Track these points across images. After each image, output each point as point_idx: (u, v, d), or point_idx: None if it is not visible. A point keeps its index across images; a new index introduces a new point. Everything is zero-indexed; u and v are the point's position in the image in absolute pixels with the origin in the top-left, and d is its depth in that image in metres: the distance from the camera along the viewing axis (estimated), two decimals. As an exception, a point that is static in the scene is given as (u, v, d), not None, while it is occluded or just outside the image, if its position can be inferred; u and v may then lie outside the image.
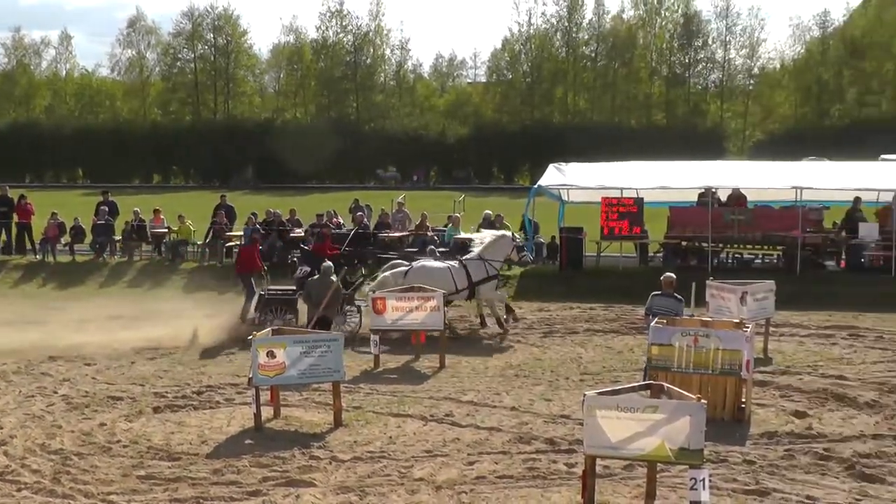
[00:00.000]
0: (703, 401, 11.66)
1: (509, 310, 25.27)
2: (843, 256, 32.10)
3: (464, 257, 25.10)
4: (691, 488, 11.42)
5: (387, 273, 24.54)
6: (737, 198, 33.21)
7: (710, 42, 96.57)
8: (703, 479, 11.45)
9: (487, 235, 25.49)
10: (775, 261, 32.07)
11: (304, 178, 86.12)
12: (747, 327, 16.60)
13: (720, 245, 32.13)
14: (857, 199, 32.42)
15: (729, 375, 15.92)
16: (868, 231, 31.64)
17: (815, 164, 41.48)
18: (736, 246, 32.17)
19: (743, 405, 16.04)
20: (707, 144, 78.86)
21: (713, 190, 32.77)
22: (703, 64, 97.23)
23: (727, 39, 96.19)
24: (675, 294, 18.55)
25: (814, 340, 22.94)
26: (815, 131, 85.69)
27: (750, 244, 31.83)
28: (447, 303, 23.46)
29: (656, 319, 16.99)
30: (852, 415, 16.53)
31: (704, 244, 31.79)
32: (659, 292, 18.64)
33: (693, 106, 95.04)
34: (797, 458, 14.10)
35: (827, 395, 17.63)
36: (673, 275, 18.98)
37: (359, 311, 24.23)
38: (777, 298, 21.77)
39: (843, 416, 16.43)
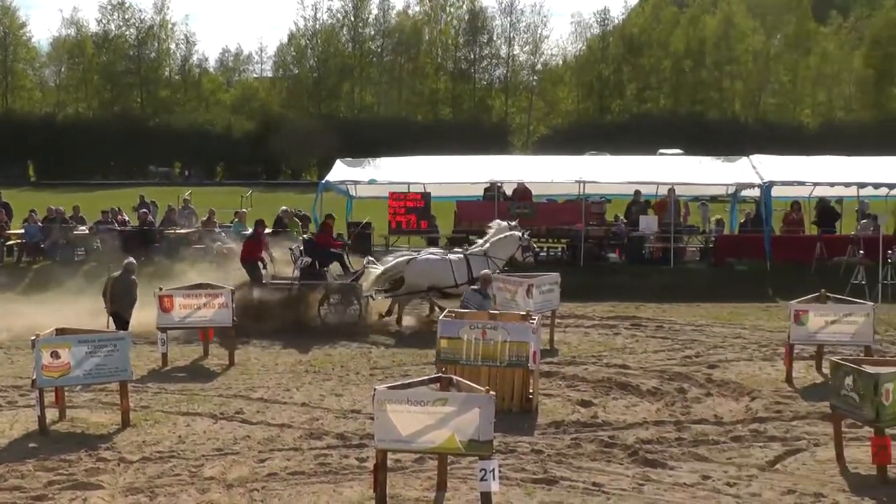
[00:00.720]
0: (491, 392, 11.78)
1: None
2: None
3: (468, 251, 24.72)
4: (481, 479, 11.54)
5: (391, 261, 24.69)
6: (522, 192, 33.81)
7: (494, 38, 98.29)
8: (493, 470, 11.57)
9: (496, 232, 24.89)
10: (560, 253, 32.78)
11: (88, 173, 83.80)
12: (534, 319, 16.90)
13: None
14: (637, 192, 33.44)
15: (516, 367, 16.16)
16: (647, 224, 32.67)
17: (596, 159, 42.59)
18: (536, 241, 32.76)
19: (531, 396, 16.30)
20: (493, 139, 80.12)
21: (498, 184, 33.28)
22: (489, 60, 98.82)
23: (511, 36, 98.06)
24: (488, 291, 18.93)
25: (598, 331, 23.56)
26: (596, 126, 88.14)
27: (535, 237, 32.47)
28: (445, 296, 24.15)
29: (444, 313, 17.18)
30: (635, 402, 17.02)
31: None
32: (476, 287, 19.01)
33: (479, 101, 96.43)
34: (583, 447, 14.41)
35: (611, 383, 18.10)
36: (490, 272, 19.42)
37: (359, 300, 24.25)
38: (562, 290, 22.27)
39: (626, 404, 16.89)
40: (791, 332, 18.73)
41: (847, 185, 31.97)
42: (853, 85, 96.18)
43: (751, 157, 34.12)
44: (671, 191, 33.01)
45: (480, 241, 25.10)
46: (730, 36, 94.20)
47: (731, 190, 34.97)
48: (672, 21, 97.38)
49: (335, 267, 25.40)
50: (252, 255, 25.56)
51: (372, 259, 25.65)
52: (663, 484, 12.96)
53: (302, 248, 25.42)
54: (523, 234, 24.72)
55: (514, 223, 25.45)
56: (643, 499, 12.49)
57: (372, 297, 24.43)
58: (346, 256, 25.87)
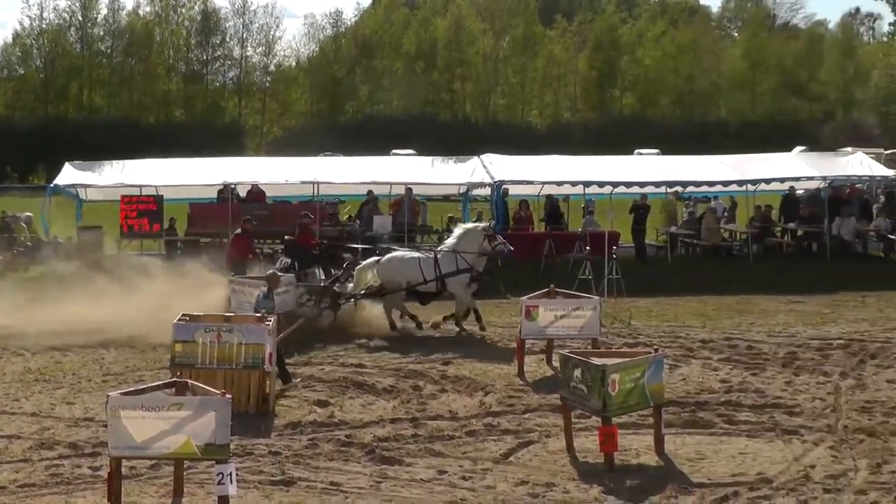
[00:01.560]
0: (227, 396, 11.65)
1: (478, 317, 23.28)
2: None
3: (437, 249, 24.28)
4: (218, 483, 11.37)
5: (362, 264, 24.01)
6: (256, 193, 33.56)
7: (227, 39, 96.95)
8: (230, 473, 11.43)
9: (459, 228, 24.54)
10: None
11: None
12: (269, 321, 16.77)
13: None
14: (370, 193, 33.71)
15: (253, 369, 16.03)
16: (381, 224, 32.94)
17: (330, 160, 42.70)
18: (257, 240, 32.38)
19: (267, 397, 16.19)
20: (226, 141, 78.90)
21: (232, 186, 32.90)
22: (222, 61, 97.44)
23: (245, 37, 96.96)
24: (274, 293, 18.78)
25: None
26: (330, 127, 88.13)
27: (270, 238, 32.19)
28: (416, 294, 23.58)
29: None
30: (371, 401, 17.12)
31: (225, 240, 31.75)
32: (264, 290, 18.67)
33: (212, 103, 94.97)
34: (321, 447, 14.41)
35: (347, 383, 18.14)
36: (275, 272, 19.15)
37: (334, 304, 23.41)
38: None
39: (363, 403, 16.98)
40: (522, 328, 19.24)
41: (574, 183, 33.13)
42: (578, 86, 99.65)
43: (481, 157, 34.85)
44: (408, 190, 33.42)
45: (449, 240, 24.47)
46: (460, 38, 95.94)
47: (463, 189, 35.63)
48: (404, 23, 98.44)
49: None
50: (241, 253, 25.36)
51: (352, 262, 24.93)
52: (400, 480, 13.08)
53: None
54: (487, 225, 24.45)
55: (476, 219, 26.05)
56: (381, 496, 12.58)
57: (355, 300, 23.71)
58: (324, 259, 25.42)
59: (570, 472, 13.48)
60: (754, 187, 35.13)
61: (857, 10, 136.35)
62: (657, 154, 52.91)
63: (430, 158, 37.02)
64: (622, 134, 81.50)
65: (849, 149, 50.46)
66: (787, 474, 13.26)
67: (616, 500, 12.51)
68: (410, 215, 33.61)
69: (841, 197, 35.73)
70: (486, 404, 16.85)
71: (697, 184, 34.26)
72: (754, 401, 16.92)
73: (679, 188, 35.13)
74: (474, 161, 34.60)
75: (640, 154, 54.89)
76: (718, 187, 35.05)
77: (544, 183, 33.90)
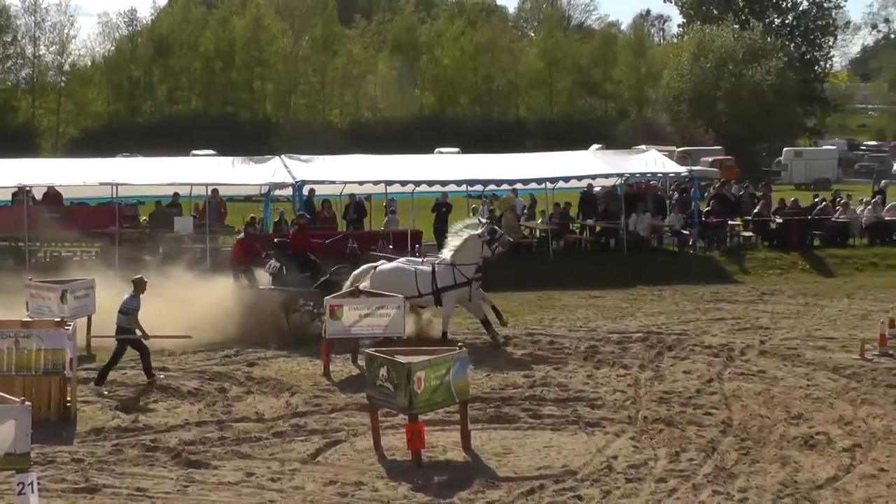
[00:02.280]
0: (27, 403, 11.35)
1: (497, 313, 22.61)
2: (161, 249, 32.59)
3: (437, 261, 22.68)
4: (19, 493, 11.05)
5: (358, 270, 22.68)
6: (52, 196, 32.67)
7: (19, 38, 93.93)
8: (31, 483, 11.12)
9: (456, 238, 22.81)
10: (94, 256, 31.88)
11: None
12: (69, 325, 16.40)
13: (37, 244, 31.34)
14: (176, 195, 33.21)
15: (53, 375, 15.66)
16: (183, 225, 32.48)
17: (129, 161, 41.83)
18: (54, 244, 31.55)
19: (69, 404, 15.83)
20: (20, 142, 76.48)
21: (27, 188, 31.94)
22: (13, 60, 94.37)
23: (37, 35, 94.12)
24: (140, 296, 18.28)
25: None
26: (128, 127, 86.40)
27: (68, 241, 31.36)
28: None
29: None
30: (176, 404, 16.92)
31: (21, 243, 30.85)
32: (132, 293, 18.18)
33: (4, 103, 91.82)
34: (125, 452, 14.17)
35: (151, 387, 17.88)
36: (141, 278, 18.51)
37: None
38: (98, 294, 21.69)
39: (167, 407, 16.76)
40: (327, 327, 19.27)
41: (375, 182, 33.29)
42: (378, 86, 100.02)
43: (282, 157, 34.67)
44: (215, 191, 33.02)
45: (446, 251, 23.05)
46: (259, 38, 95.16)
47: (265, 190, 35.38)
48: (201, 22, 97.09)
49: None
50: (241, 257, 24.47)
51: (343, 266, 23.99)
52: (208, 484, 12.98)
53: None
54: (482, 231, 22.54)
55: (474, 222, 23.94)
56: (188, 500, 12.47)
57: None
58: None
59: (378, 471, 13.59)
60: (553, 185, 35.88)
61: (648, 11, 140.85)
62: (458, 153, 53.60)
63: (230, 159, 36.53)
64: (423, 133, 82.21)
65: (643, 146, 52.11)
66: (590, 466, 13.66)
67: (424, 497, 12.67)
68: (215, 216, 33.19)
69: (636, 193, 36.81)
70: (293, 405, 16.84)
71: (498, 182, 34.79)
72: (557, 395, 17.36)
73: (520, 185, 35.62)
74: (275, 161, 34.34)
75: (441, 153, 55.52)
76: (518, 185, 35.64)
77: (346, 182, 33.93)
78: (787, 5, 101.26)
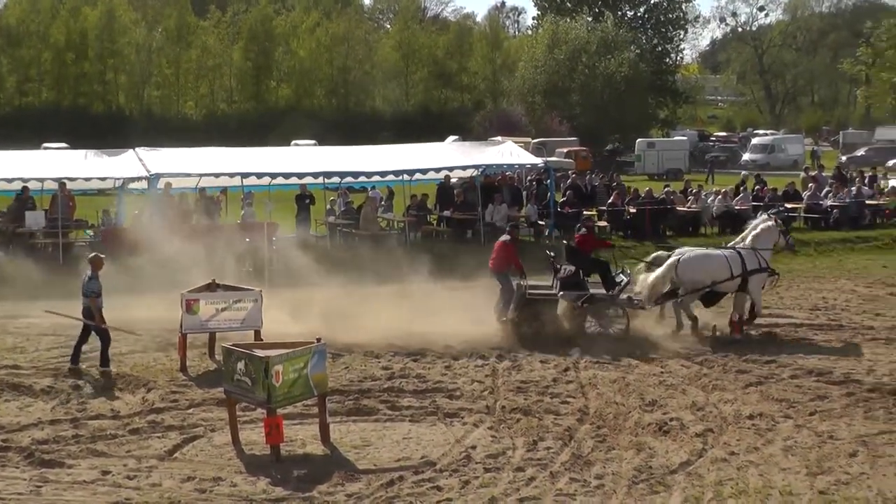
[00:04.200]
0: None
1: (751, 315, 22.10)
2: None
3: (736, 246, 22.36)
4: None
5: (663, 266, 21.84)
6: None
7: None
8: None
9: (754, 226, 22.59)
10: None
11: None
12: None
13: None
14: (26, 189, 32.39)
15: None
16: (34, 219, 31.76)
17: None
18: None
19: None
20: None
21: None
22: None
23: None
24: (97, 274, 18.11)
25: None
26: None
27: None
28: (718, 294, 21.91)
29: None
30: (29, 403, 16.54)
31: None
32: (90, 274, 17.91)
33: None
34: (-25, 454, 13.84)
35: (2, 385, 17.43)
36: (98, 254, 18.22)
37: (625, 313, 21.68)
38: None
39: (19, 406, 16.38)
40: (183, 322, 19.03)
41: (231, 175, 32.93)
42: (234, 78, 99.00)
43: (136, 149, 34.06)
44: (62, 185, 32.27)
45: (740, 237, 22.91)
46: (112, 28, 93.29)
47: (119, 183, 34.70)
48: (51, 12, 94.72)
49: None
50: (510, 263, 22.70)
51: (626, 269, 22.90)
52: (62, 483, 12.75)
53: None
54: (777, 221, 22.99)
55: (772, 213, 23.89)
56: (42, 501, 12.24)
57: (644, 307, 21.98)
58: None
59: (237, 466, 13.51)
60: (410, 177, 35.96)
61: (503, 3, 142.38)
62: (314, 145, 53.30)
63: (83, 152, 35.79)
64: (279, 125, 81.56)
65: (499, 138, 52.63)
66: (449, 456, 13.79)
67: (284, 491, 12.64)
68: (66, 210, 32.47)
69: (493, 185, 37.14)
70: (149, 401, 16.62)
71: (355, 174, 34.71)
72: (416, 386, 17.46)
73: (377, 177, 35.49)
74: (129, 154, 33.76)
75: (298, 145, 55.15)
76: (376, 178, 35.63)
77: (202, 175, 33.50)
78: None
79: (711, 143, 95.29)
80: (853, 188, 40.80)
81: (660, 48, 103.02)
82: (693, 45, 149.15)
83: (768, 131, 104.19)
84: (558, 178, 41.28)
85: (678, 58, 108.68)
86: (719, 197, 38.60)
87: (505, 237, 22.96)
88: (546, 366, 18.88)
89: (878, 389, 16.87)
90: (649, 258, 23.00)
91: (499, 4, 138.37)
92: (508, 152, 37.19)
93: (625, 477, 13.00)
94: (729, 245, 23.05)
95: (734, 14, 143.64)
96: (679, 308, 21.95)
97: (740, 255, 21.85)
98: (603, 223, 36.92)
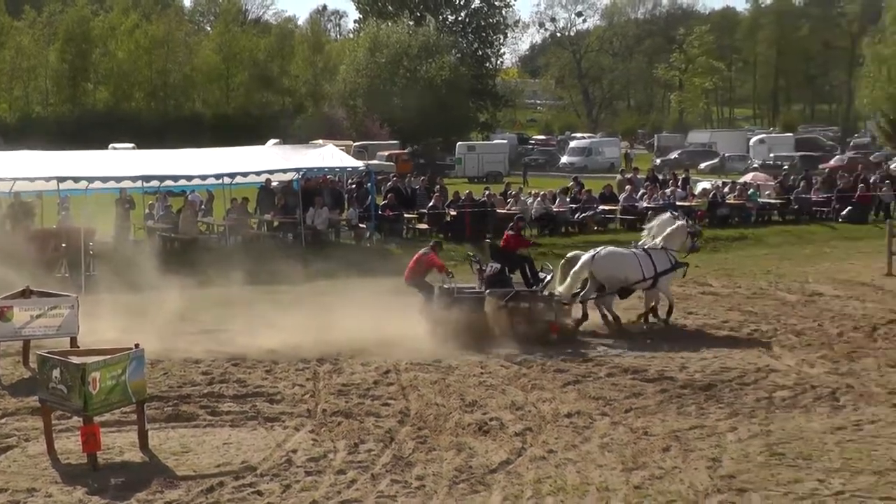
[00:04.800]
0: None
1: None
2: None
3: (645, 246, 23.12)
4: None
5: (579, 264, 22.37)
6: None
7: None
8: None
9: (663, 224, 23.42)
10: None
11: None
12: None
13: None
14: None
15: None
16: None
17: None
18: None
19: None
20: None
21: None
22: None
23: None
24: None
25: None
26: None
27: None
28: (629, 293, 22.65)
29: None
30: None
31: None
32: None
33: None
34: None
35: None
36: None
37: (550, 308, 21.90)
38: None
39: None
40: (-4, 329, 18.49)
41: (47, 179, 32.06)
42: (49, 80, 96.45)
43: (-54, 153, 32.96)
44: None
45: (648, 236, 23.58)
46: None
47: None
48: None
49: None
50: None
51: (548, 265, 23.34)
52: None
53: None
54: (687, 221, 24.08)
55: (676, 213, 24.71)
56: None
57: (567, 302, 22.35)
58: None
59: (52, 476, 13.18)
60: (231, 180, 35.62)
61: (325, 7, 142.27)
62: (133, 148, 52.36)
63: None
64: (97, 128, 79.79)
65: (320, 141, 52.48)
66: (270, 460, 13.70)
67: (101, 500, 12.39)
68: None
69: (314, 188, 37.07)
70: (-41, 412, 16.08)
71: (175, 178, 34.20)
72: (236, 391, 17.28)
73: (198, 180, 35.00)
74: (-62, 158, 32.68)
75: (116, 148, 54.07)
76: (196, 181, 35.18)
77: (15, 179, 32.53)
78: (459, 3, 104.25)
79: (530, 147, 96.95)
80: (667, 190, 42.05)
81: (480, 52, 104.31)
82: (513, 49, 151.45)
83: (586, 135, 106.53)
84: (379, 181, 41.40)
85: (498, 62, 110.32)
86: (538, 199, 39.27)
87: (425, 249, 23.11)
88: (367, 368, 18.90)
89: (690, 386, 17.41)
90: (566, 256, 23.60)
91: (320, 8, 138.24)
92: (329, 155, 37.18)
93: (445, 477, 13.12)
94: (639, 244, 23.72)
95: (553, 19, 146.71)
96: (600, 305, 22.65)
97: (650, 256, 22.76)
98: (424, 226, 37.20)
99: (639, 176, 46.28)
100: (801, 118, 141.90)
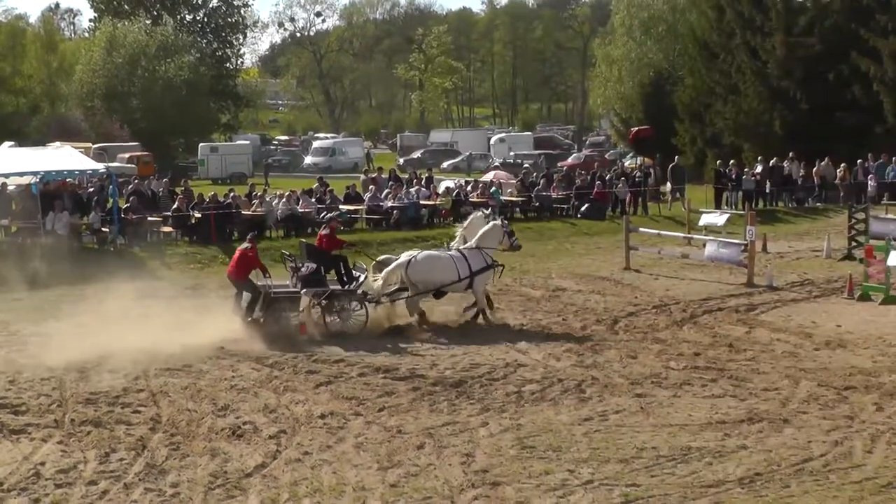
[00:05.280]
0: None
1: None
2: None
3: (460, 247, 23.53)
4: None
5: (391, 266, 23.00)
6: None
7: None
8: None
9: (475, 224, 23.98)
10: None
11: None
12: None
13: None
14: None
15: None
16: None
17: None
18: None
19: None
20: None
21: None
22: None
23: None
24: None
25: None
26: None
27: None
28: (442, 294, 23.20)
29: None
30: None
31: None
32: None
33: None
34: None
35: None
36: None
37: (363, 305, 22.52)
38: None
39: None
40: None
41: None
42: None
43: None
44: None
45: (462, 235, 24.06)
46: None
47: None
48: None
49: None
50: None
51: (361, 264, 23.96)
52: None
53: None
54: (503, 220, 24.65)
55: (488, 212, 25.25)
56: None
57: (379, 302, 22.93)
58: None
59: None
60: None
61: (58, 5, 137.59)
62: None
63: None
64: None
65: (57, 143, 50.80)
66: (17, 474, 13.26)
67: None
68: None
69: (53, 192, 35.88)
70: None
71: None
72: (-24, 405, 16.61)
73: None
74: None
75: None
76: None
77: None
78: (197, 2, 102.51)
79: (274, 147, 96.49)
80: (411, 189, 42.58)
81: (220, 53, 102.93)
82: (253, 49, 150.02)
83: (329, 135, 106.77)
84: (121, 184, 40.39)
85: (239, 62, 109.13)
86: (283, 200, 39.10)
87: (245, 245, 22.94)
88: (115, 375, 18.45)
89: (441, 383, 17.74)
90: (378, 259, 24.16)
91: (53, 5, 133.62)
92: (68, 157, 36.07)
93: (201, 483, 12.98)
94: (452, 246, 24.15)
95: (292, 19, 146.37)
96: (409, 305, 23.06)
97: (465, 257, 23.16)
98: (168, 229, 36.53)
99: (383, 176, 46.65)
100: (539, 117, 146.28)
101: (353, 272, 23.14)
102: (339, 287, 22.65)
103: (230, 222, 37.10)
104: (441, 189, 45.01)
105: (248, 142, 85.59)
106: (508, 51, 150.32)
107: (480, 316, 23.30)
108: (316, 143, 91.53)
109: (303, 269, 22.74)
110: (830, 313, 23.99)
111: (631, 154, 69.91)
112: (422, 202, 41.44)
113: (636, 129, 60.77)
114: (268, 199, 39.45)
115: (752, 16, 57.16)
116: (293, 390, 17.52)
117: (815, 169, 47.96)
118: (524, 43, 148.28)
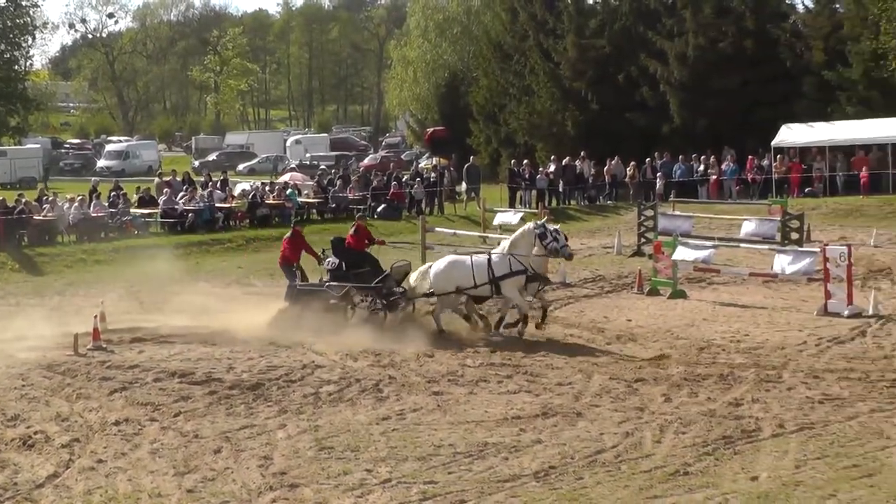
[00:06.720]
0: None
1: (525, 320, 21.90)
2: None
3: (492, 252, 22.73)
4: None
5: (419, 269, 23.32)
6: None
7: None
8: None
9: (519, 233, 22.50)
10: None
11: None
12: None
13: None
14: None
15: None
16: None
17: None
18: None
19: None
20: None
21: None
22: None
23: None
24: None
25: None
26: None
27: None
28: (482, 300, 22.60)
29: None
30: None
31: None
32: None
33: None
34: None
35: None
36: None
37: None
38: None
39: None
40: None
41: None
42: None
43: None
44: None
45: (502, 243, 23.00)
46: None
47: None
48: None
49: None
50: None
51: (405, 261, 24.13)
52: None
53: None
54: (537, 223, 22.27)
55: (540, 222, 22.57)
56: None
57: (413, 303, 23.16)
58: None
59: None
60: None
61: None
62: None
63: None
64: None
65: None
66: None
67: None
68: None
69: None
70: None
71: None
72: None
73: None
74: None
75: None
76: None
77: None
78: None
79: (65, 151, 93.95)
80: (206, 192, 42.12)
81: (8, 55, 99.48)
82: (42, 50, 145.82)
83: (122, 138, 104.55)
84: None
85: (28, 64, 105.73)
86: (76, 204, 38.18)
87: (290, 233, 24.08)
88: None
89: (238, 386, 17.63)
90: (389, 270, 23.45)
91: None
92: None
93: (-11, 497, 12.66)
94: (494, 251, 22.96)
95: (84, 20, 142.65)
96: (436, 311, 22.70)
97: (489, 262, 22.13)
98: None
99: (177, 178, 45.99)
100: (335, 119, 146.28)
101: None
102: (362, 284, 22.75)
103: (21, 228, 36.04)
104: (237, 191, 44.67)
105: (38, 145, 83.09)
106: (304, 52, 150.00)
107: (520, 325, 21.97)
108: (109, 147, 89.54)
109: (327, 265, 23.10)
110: (622, 308, 24.83)
111: (427, 155, 70.59)
112: (217, 205, 41.03)
113: (432, 129, 61.54)
114: (59, 203, 38.44)
115: (545, 18, 58.64)
116: (87, 397, 17.16)
117: (605, 168, 49.49)
118: (320, 45, 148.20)
